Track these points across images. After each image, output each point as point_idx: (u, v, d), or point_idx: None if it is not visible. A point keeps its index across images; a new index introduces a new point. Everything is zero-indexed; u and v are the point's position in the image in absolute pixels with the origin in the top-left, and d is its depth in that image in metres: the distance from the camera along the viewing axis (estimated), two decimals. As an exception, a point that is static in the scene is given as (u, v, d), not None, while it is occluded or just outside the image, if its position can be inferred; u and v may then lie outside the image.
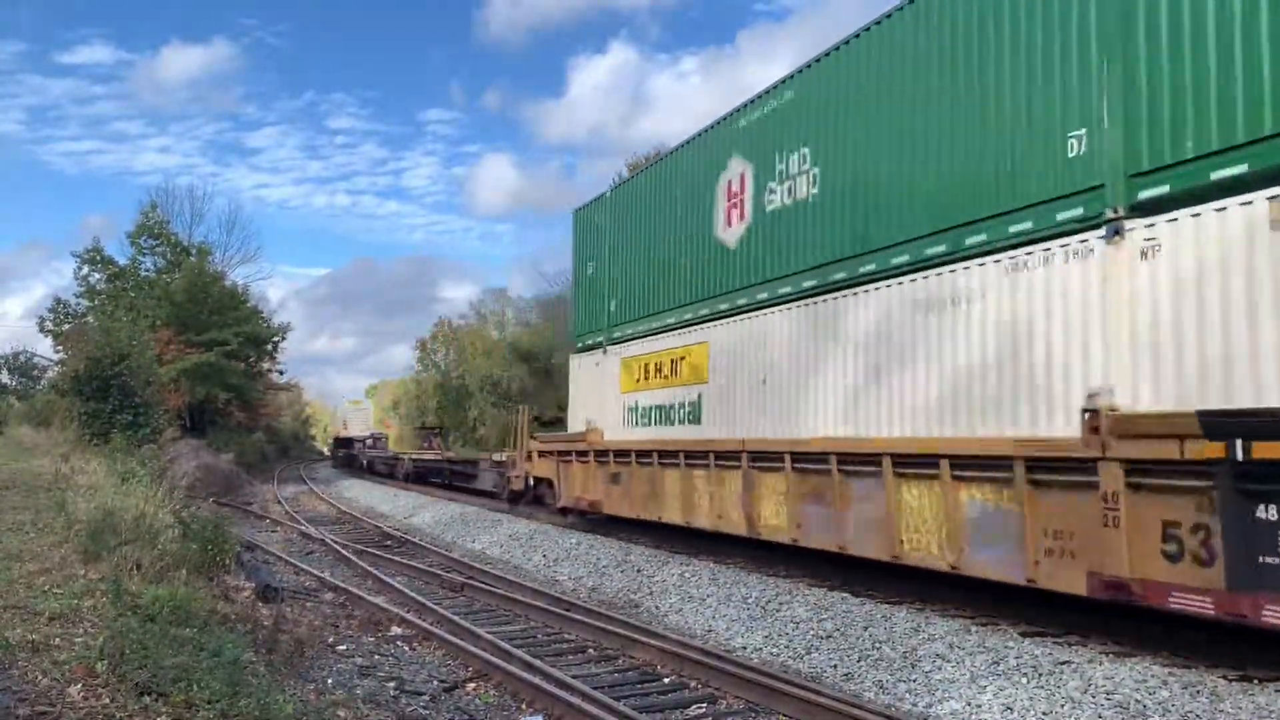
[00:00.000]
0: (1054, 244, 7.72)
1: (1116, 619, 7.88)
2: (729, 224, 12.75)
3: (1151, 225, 7.00)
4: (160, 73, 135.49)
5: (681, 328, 13.82)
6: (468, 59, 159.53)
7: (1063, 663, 6.90)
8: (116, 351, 24.38)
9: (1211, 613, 6.32)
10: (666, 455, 13.57)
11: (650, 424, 14.56)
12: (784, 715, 6.61)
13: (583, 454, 16.31)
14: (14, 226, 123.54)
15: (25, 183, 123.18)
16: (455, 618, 9.64)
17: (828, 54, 10.96)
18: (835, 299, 10.38)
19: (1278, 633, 6.09)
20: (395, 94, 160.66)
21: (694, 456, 12.82)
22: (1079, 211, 7.61)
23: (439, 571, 13.13)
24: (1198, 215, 6.66)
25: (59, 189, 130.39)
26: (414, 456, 36.58)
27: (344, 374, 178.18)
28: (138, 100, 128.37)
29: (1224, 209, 6.50)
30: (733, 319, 12.42)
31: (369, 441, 50.31)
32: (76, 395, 24.04)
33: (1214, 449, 6.19)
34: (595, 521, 16.72)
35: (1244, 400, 6.20)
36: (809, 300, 10.86)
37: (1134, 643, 7.38)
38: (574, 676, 7.38)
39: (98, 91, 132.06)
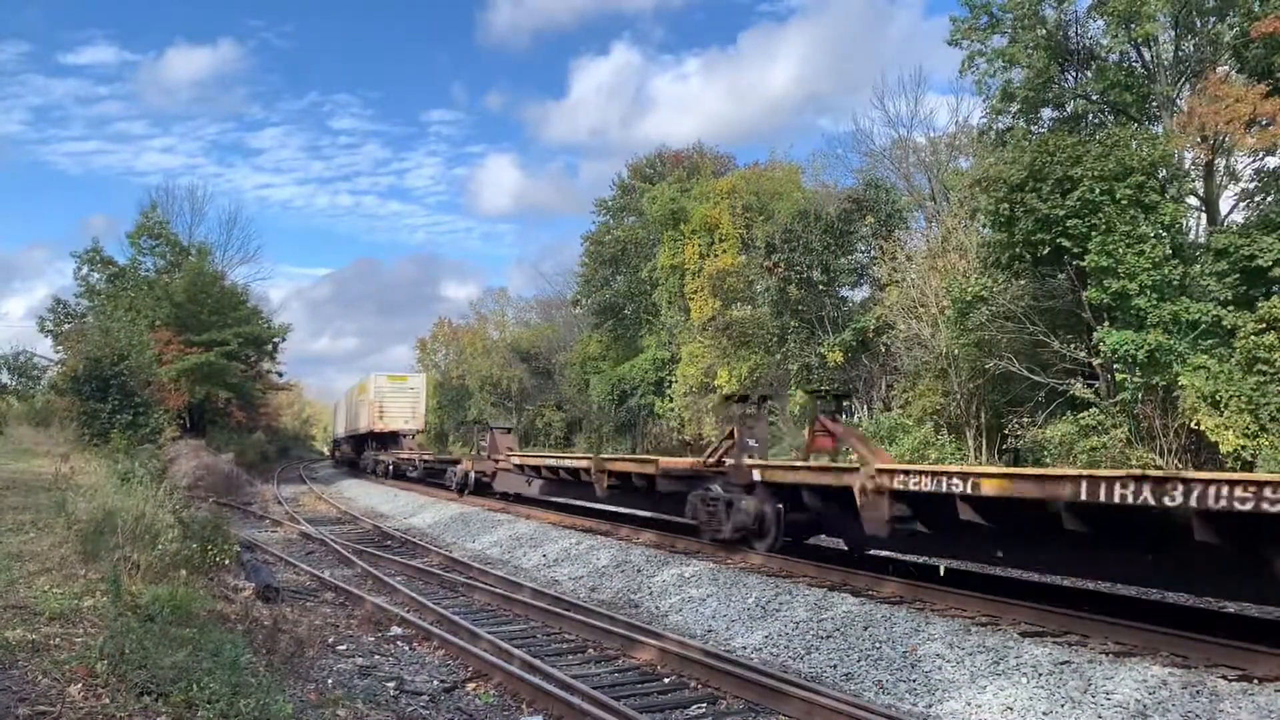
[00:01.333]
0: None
1: (1116, 619, 7.88)
2: None
3: None
4: (164, 73, 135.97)
5: None
6: (471, 60, 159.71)
7: (1063, 663, 6.89)
8: (116, 351, 24.40)
9: None
10: None
11: None
12: (784, 715, 6.60)
13: None
14: (17, 227, 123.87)
15: (28, 183, 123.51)
16: (455, 617, 9.64)
17: None
18: None
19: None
20: (398, 95, 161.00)
21: None
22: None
23: (439, 571, 13.13)
24: None
25: (62, 189, 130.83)
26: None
27: (344, 373, 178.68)
28: (141, 101, 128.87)
29: None
30: None
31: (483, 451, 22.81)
32: (76, 395, 24.07)
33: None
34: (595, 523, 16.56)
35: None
36: None
37: (1134, 643, 7.37)
38: (574, 676, 7.37)
39: (101, 92, 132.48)
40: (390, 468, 33.15)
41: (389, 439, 36.26)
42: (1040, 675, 6.78)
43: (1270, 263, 17.59)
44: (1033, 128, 24.36)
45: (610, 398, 39.69)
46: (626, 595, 11.35)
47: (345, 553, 15.05)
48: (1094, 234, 18.21)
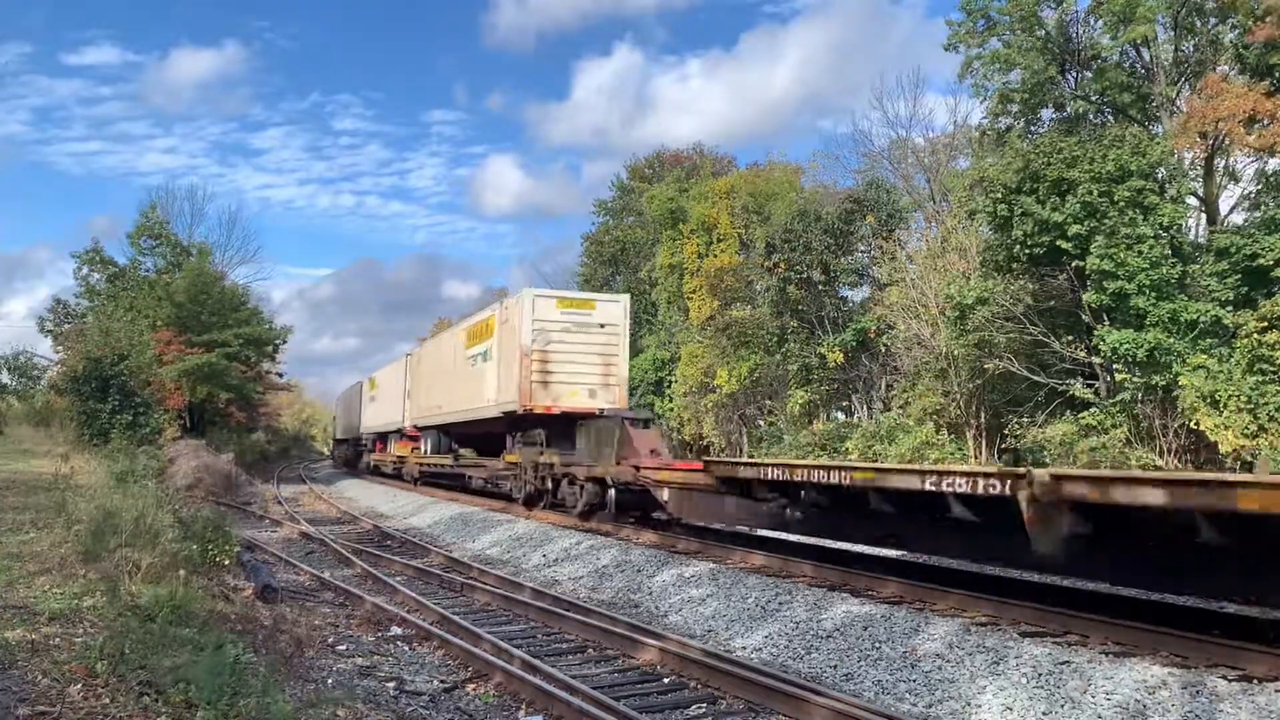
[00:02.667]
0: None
1: (1116, 619, 7.88)
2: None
3: None
4: (167, 74, 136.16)
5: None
6: (473, 61, 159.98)
7: (1063, 663, 6.89)
8: (116, 351, 24.43)
9: None
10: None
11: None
12: (784, 715, 6.61)
13: None
14: (19, 227, 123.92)
15: (30, 183, 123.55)
16: (455, 617, 9.64)
17: None
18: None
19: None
20: (401, 96, 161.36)
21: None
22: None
23: (439, 572, 13.13)
24: None
25: (64, 190, 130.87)
26: None
27: (345, 373, 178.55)
28: (144, 101, 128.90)
29: None
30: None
31: None
32: (75, 395, 24.10)
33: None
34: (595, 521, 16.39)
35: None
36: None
37: (1134, 643, 7.36)
38: (574, 677, 7.37)
39: (104, 93, 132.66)
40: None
41: (552, 427, 18.60)
42: (1040, 675, 6.78)
43: (1272, 262, 17.59)
44: (1032, 128, 24.38)
45: (610, 398, 39.61)
46: (626, 595, 11.35)
47: (345, 553, 15.05)
48: (1096, 237, 18.21)
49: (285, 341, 46.47)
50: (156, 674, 4.99)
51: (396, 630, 9.48)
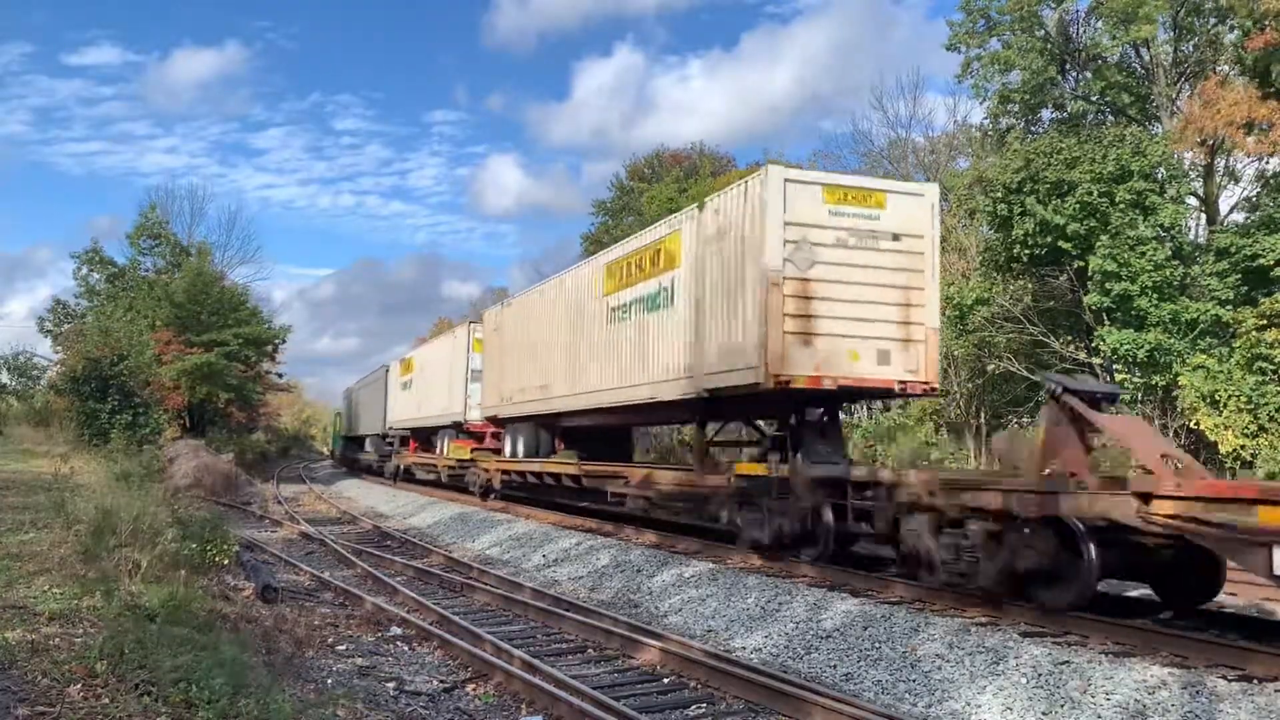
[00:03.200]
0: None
1: (1116, 619, 7.88)
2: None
3: None
4: (168, 74, 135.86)
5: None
6: (474, 62, 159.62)
7: (1063, 663, 6.89)
8: (115, 352, 24.45)
9: None
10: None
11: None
12: (784, 715, 6.60)
13: None
14: (20, 227, 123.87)
15: (31, 184, 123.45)
16: (455, 618, 9.63)
17: None
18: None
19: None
20: (401, 95, 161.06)
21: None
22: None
23: (439, 572, 13.13)
24: None
25: (64, 190, 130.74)
26: None
27: (345, 373, 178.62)
28: (145, 101, 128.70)
29: None
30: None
31: None
32: (75, 395, 24.11)
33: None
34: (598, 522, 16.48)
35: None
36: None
37: (1134, 643, 7.36)
38: (574, 676, 7.37)
39: (105, 93, 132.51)
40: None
41: (805, 412, 12.32)
42: (1040, 675, 6.78)
43: (1273, 262, 17.59)
44: (1032, 128, 24.39)
45: (610, 398, 39.45)
46: (626, 595, 11.35)
47: (345, 553, 15.05)
48: (1101, 237, 18.22)
49: (285, 341, 46.42)
50: (156, 674, 4.98)
51: (396, 630, 9.48)
